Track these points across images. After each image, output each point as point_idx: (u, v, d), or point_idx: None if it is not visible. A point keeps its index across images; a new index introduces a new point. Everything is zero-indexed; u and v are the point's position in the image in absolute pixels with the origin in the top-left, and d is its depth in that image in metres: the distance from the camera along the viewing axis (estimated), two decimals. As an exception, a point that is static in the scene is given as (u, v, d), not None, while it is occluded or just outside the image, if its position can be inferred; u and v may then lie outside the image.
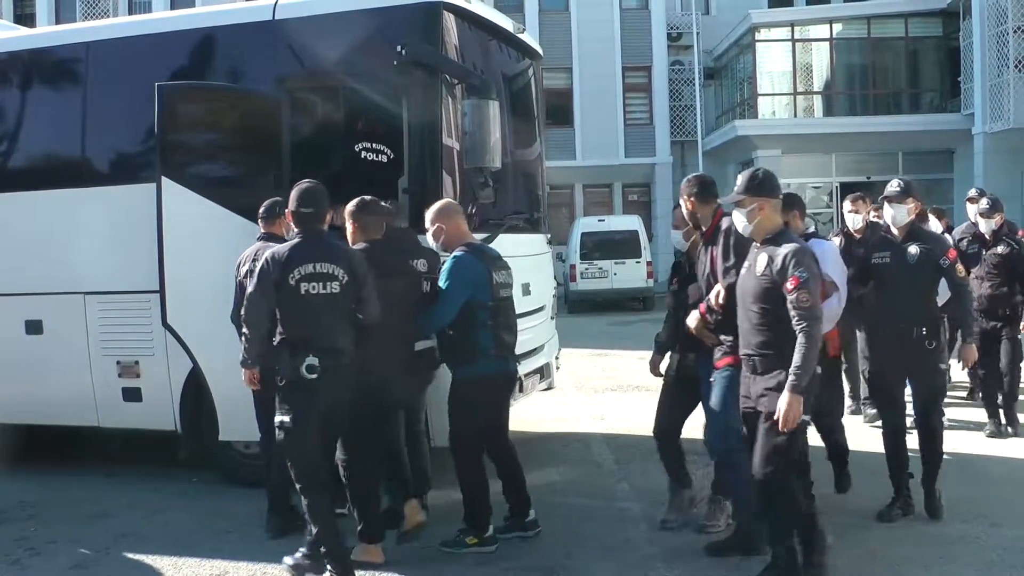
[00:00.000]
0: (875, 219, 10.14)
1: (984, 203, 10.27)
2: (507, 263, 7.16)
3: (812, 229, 8.04)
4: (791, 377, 5.67)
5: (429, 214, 7.12)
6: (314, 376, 6.17)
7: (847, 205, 10.44)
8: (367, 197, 7.01)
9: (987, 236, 10.24)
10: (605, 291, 27.76)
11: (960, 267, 7.46)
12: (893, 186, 7.62)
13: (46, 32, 11.38)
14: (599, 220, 29.59)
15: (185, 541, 7.40)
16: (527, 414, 9.94)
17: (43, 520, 8.17)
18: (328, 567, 6.28)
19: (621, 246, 27.43)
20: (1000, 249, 10.13)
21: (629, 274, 27.85)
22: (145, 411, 8.92)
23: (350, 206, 6.94)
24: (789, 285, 5.73)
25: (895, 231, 7.64)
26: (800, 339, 5.67)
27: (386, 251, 6.87)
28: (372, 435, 6.81)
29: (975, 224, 10.66)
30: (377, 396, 6.69)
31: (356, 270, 6.39)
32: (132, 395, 8.94)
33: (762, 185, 6.05)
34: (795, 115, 35.04)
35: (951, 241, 8.77)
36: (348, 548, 6.45)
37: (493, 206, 8.44)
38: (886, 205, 7.62)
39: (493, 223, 8.45)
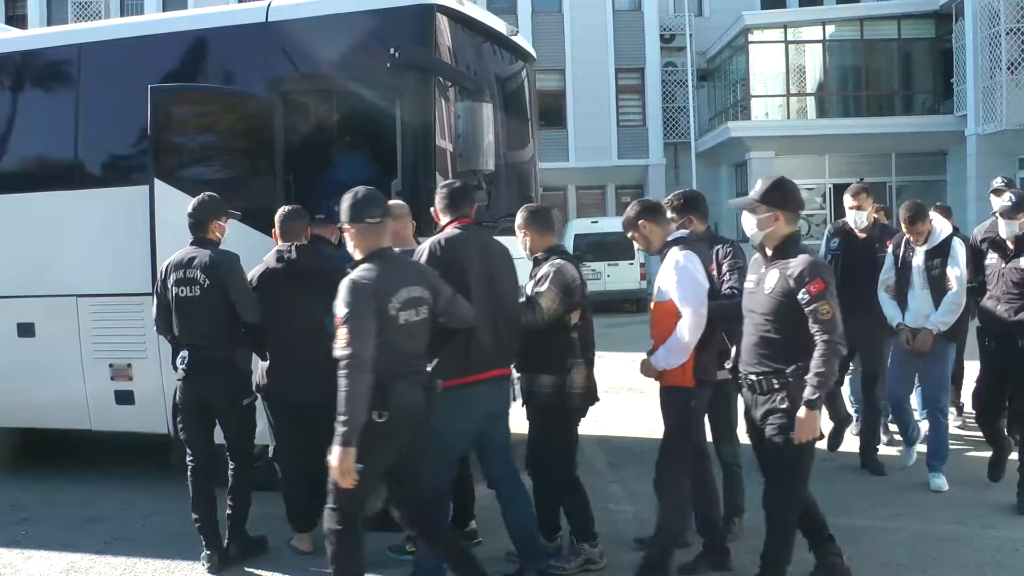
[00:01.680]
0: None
1: (1008, 199, 7.84)
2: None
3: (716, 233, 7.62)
4: (809, 390, 5.48)
5: None
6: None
7: (848, 200, 9.05)
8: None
9: (1008, 243, 7.89)
10: (598, 293, 27.62)
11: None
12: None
13: (38, 34, 11.35)
14: (592, 222, 29.52)
15: (178, 544, 7.37)
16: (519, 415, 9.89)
17: (35, 523, 8.18)
18: None
19: (614, 248, 27.34)
20: None
21: (622, 276, 27.84)
22: (138, 414, 8.89)
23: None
24: (805, 296, 5.52)
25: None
26: (819, 350, 5.49)
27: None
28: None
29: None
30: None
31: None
32: (125, 398, 8.92)
33: (784, 197, 5.86)
34: (788, 117, 35.05)
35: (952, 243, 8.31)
36: None
37: (486, 208, 8.42)
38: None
39: (486, 225, 8.44)
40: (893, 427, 9.62)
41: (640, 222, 6.48)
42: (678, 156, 38.17)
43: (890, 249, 8.62)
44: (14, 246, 9.24)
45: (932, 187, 31.19)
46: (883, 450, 9.32)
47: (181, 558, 7.13)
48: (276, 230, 7.17)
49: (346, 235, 5.69)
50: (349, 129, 9.19)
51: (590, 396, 6.69)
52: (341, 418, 5.19)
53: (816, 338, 5.49)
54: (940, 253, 8.28)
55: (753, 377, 5.82)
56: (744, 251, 6.84)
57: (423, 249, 6.18)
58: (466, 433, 6.24)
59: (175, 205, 8.24)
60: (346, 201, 5.68)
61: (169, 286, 6.98)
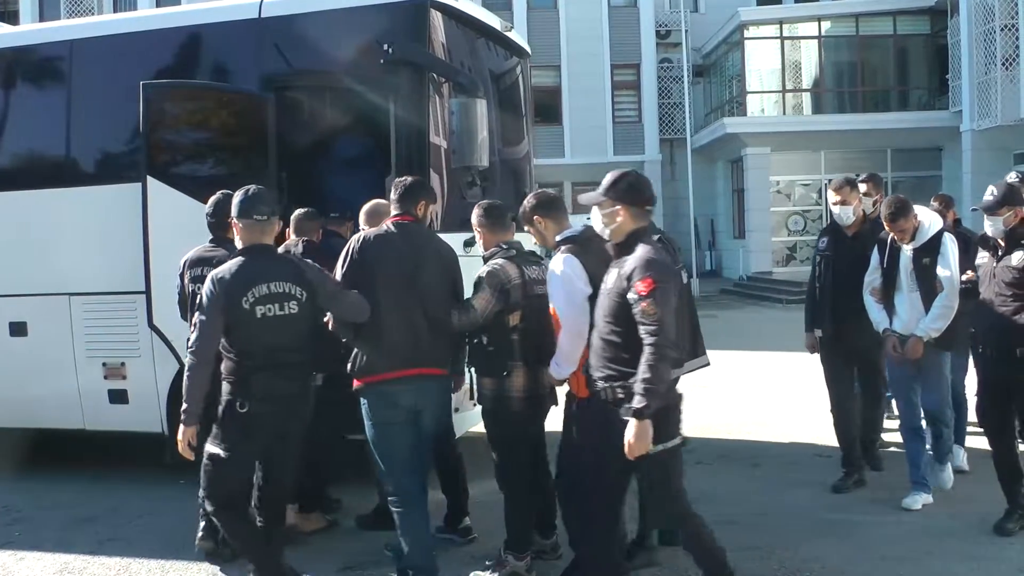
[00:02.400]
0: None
1: (989, 193, 7.08)
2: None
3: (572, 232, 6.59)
4: (635, 399, 5.00)
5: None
6: None
7: (831, 195, 8.41)
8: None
9: (1000, 241, 7.05)
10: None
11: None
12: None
13: (30, 30, 11.28)
14: (587, 219, 29.40)
15: (172, 544, 7.30)
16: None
17: (28, 524, 8.11)
18: None
19: (610, 244, 27.27)
20: (1017, 260, 6.89)
21: (618, 272, 27.76)
22: (131, 413, 8.85)
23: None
24: (633, 295, 5.12)
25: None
26: (645, 354, 5.02)
27: None
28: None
29: None
30: None
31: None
32: (118, 397, 8.88)
33: (627, 190, 5.67)
34: (784, 113, 35.10)
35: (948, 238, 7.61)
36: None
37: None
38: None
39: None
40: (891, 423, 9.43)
41: (535, 217, 6.41)
42: (674, 152, 38.14)
43: (876, 248, 7.89)
44: (6, 244, 9.18)
45: (927, 183, 31.12)
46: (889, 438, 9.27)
47: (175, 558, 7.06)
48: (290, 228, 7.47)
49: (233, 228, 6.09)
50: (343, 125, 9.14)
51: (535, 400, 6.42)
52: (183, 404, 5.76)
53: (643, 341, 5.04)
54: (929, 251, 7.53)
55: (599, 384, 5.37)
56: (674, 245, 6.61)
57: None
58: (393, 430, 6.15)
59: (168, 202, 8.23)
60: (237, 196, 6.02)
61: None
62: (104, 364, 8.90)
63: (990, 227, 7.02)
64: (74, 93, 9.10)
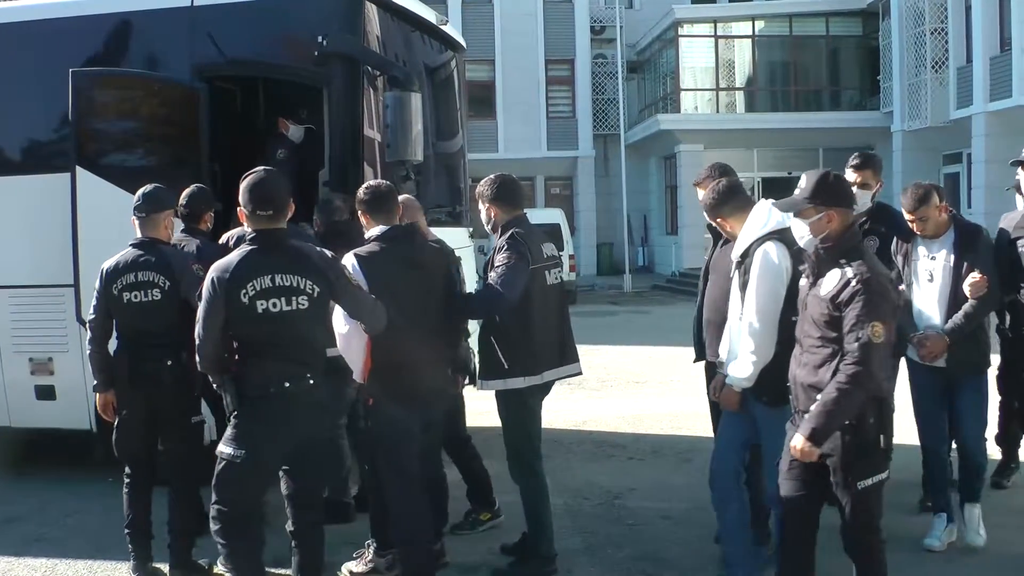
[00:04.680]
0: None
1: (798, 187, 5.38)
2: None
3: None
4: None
5: None
6: None
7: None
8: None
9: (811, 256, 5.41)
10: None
11: None
12: None
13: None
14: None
15: (101, 544, 7.16)
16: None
17: (-51, 524, 7.93)
18: None
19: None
20: (828, 286, 5.07)
21: (552, 267, 27.79)
22: (59, 410, 8.65)
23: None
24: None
25: None
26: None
27: None
28: None
29: None
30: None
31: None
32: (45, 393, 8.67)
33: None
34: (717, 110, 35.47)
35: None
36: None
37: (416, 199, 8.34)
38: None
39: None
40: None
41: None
42: (607, 148, 38.32)
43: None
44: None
45: (858, 181, 31.59)
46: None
47: (103, 558, 6.94)
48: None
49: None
50: (275, 118, 9.05)
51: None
52: None
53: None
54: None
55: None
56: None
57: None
58: None
59: (98, 193, 8.08)
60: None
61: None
62: (31, 359, 8.69)
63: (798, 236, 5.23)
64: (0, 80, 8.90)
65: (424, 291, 5.90)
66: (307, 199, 7.56)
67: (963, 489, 6.78)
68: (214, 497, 5.41)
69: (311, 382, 5.38)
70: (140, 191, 6.56)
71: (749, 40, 35.25)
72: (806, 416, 4.80)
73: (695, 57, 35.26)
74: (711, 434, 6.62)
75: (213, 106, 8.31)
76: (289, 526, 5.69)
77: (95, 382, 6.49)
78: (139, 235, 6.52)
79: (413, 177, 8.15)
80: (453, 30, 10.19)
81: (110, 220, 7.84)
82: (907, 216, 6.51)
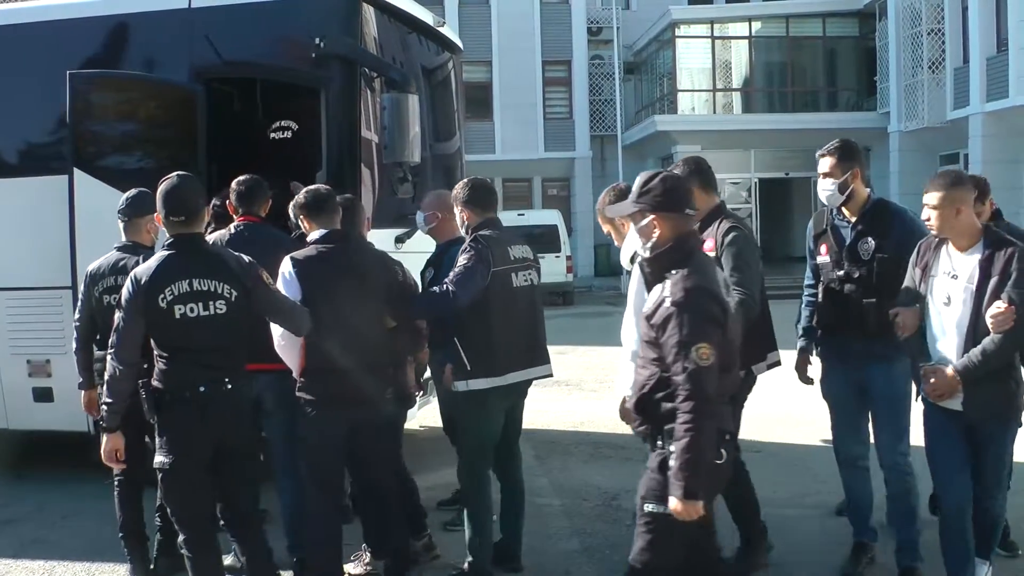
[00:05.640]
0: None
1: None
2: None
3: None
4: None
5: None
6: None
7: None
8: None
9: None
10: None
11: None
12: None
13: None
14: (518, 214, 29.47)
15: (98, 547, 7.16)
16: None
17: (-54, 526, 7.92)
18: None
19: (540, 240, 27.22)
20: (652, 302, 4.64)
21: (549, 269, 27.46)
22: (57, 412, 8.63)
23: None
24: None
25: None
26: None
27: None
28: None
29: None
30: None
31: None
32: (43, 395, 8.67)
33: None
34: (714, 111, 35.51)
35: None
36: None
37: (412, 201, 8.34)
38: None
39: (412, 217, 8.36)
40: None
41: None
42: (604, 149, 38.33)
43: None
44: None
45: (855, 181, 31.65)
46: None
47: (101, 560, 6.95)
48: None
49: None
50: (274, 119, 9.05)
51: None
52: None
53: None
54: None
55: None
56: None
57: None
58: None
59: (95, 195, 8.07)
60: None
61: None
62: (28, 361, 8.70)
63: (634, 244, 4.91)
64: (-2, 82, 8.90)
65: (358, 296, 5.89)
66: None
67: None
68: (168, 509, 5.60)
69: (229, 386, 5.39)
70: (124, 194, 6.70)
71: (746, 41, 35.33)
72: (671, 478, 4.29)
73: (692, 58, 35.31)
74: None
75: (210, 108, 8.30)
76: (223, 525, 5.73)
77: (80, 380, 6.70)
78: (124, 239, 6.70)
79: (410, 179, 8.16)
80: (450, 31, 10.20)
81: (107, 222, 7.81)
82: (926, 211, 5.31)
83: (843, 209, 6.14)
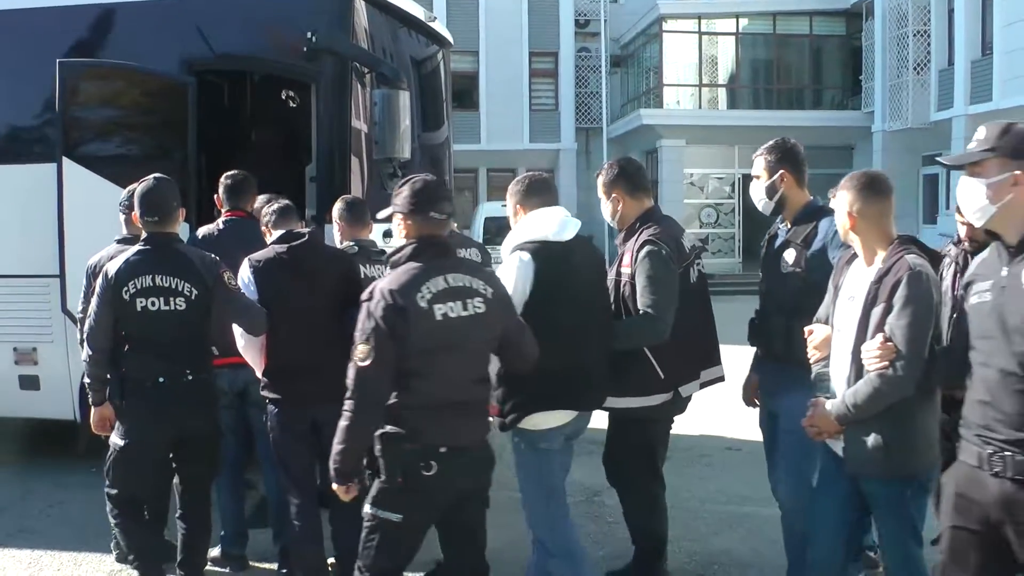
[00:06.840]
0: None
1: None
2: None
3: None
4: None
5: None
6: None
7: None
8: None
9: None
10: (508, 277, 27.61)
11: None
12: None
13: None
14: (502, 205, 29.40)
15: (85, 535, 7.19)
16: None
17: (-70, 515, 7.92)
18: None
19: (524, 231, 27.34)
20: None
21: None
22: (43, 400, 8.67)
23: None
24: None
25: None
26: None
27: None
28: None
29: None
30: None
31: None
32: (29, 383, 8.68)
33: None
34: (700, 106, 35.55)
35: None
36: None
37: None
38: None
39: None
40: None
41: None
42: (589, 141, 38.30)
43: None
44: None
45: (838, 180, 31.39)
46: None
47: (88, 549, 6.96)
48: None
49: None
50: (264, 112, 9.07)
51: None
52: None
53: None
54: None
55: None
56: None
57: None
58: None
59: (84, 184, 8.08)
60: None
61: None
62: (15, 349, 8.69)
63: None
64: (-13, 69, 8.88)
65: (311, 296, 5.89)
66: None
67: None
68: (106, 481, 5.91)
69: (189, 378, 5.68)
70: (127, 188, 6.64)
71: (733, 37, 35.35)
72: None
73: (679, 52, 35.30)
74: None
75: (201, 100, 8.31)
76: (179, 509, 6.00)
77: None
78: (124, 231, 6.79)
79: (400, 174, 8.19)
80: (440, 26, 10.21)
81: (96, 211, 7.86)
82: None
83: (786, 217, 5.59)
